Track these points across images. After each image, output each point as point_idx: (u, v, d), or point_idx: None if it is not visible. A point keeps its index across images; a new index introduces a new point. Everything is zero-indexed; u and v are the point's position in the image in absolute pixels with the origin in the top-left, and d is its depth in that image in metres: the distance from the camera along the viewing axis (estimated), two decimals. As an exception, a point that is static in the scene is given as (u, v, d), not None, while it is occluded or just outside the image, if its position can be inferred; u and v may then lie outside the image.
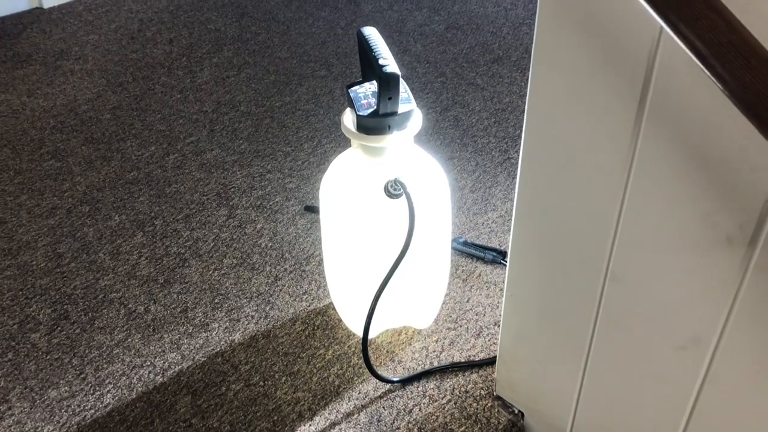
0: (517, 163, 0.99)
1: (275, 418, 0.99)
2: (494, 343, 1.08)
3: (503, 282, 1.18)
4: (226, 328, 1.12)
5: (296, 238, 1.29)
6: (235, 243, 1.28)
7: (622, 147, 0.66)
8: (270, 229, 1.31)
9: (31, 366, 1.07)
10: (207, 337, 1.11)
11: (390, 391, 1.02)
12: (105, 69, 1.85)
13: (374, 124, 0.88)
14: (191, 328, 1.12)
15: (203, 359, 1.07)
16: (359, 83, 0.93)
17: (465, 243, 1.25)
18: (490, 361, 1.05)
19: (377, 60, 0.85)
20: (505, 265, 1.20)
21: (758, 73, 0.44)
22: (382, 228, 0.95)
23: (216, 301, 1.17)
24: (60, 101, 1.71)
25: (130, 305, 1.16)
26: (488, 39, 1.96)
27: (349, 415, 0.99)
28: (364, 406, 1.00)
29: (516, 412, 0.99)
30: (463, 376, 1.04)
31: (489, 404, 1.00)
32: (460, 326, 1.11)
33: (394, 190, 0.91)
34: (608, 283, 0.75)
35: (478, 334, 1.10)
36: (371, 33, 0.91)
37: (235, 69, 1.84)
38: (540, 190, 0.77)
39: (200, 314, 1.14)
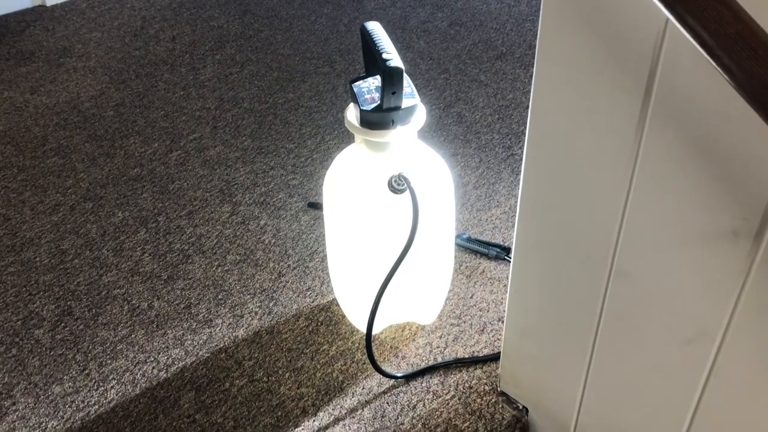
0: (521, 159, 0.99)
1: (279, 413, 0.99)
2: (498, 338, 1.08)
3: (507, 278, 1.18)
4: (229, 324, 1.12)
5: (299, 235, 1.29)
6: (239, 239, 1.28)
7: (627, 141, 0.66)
8: (273, 226, 1.31)
9: (35, 362, 1.07)
10: (210, 333, 1.11)
11: (394, 386, 1.02)
12: (108, 66, 1.85)
13: (378, 119, 0.88)
14: (195, 324, 1.12)
15: (207, 355, 1.07)
16: (363, 78, 0.93)
17: (469, 239, 1.25)
18: (494, 357, 1.05)
19: (381, 54, 0.85)
20: (509, 261, 1.19)
21: (765, 64, 0.44)
22: (386, 224, 0.95)
23: (219, 297, 1.17)
24: (63, 98, 1.71)
25: (133, 301, 1.16)
26: (491, 35, 1.96)
27: (352, 410, 0.99)
28: (367, 402, 1.00)
29: (520, 407, 0.99)
30: (467, 371, 1.04)
31: (493, 400, 1.00)
32: (464, 322, 1.11)
33: (398, 185, 0.90)
34: (613, 278, 0.75)
35: (482, 330, 1.10)
36: (375, 27, 0.91)
37: (237, 66, 1.84)
38: (544, 186, 0.77)
39: (204, 310, 1.14)
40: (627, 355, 0.79)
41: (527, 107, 1.57)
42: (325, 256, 1.24)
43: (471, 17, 2.06)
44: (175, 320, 1.13)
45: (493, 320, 1.11)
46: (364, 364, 1.05)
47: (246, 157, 1.50)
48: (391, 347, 1.08)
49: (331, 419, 0.98)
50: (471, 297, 1.16)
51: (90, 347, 1.09)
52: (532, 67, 0.71)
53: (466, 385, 1.02)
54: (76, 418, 0.99)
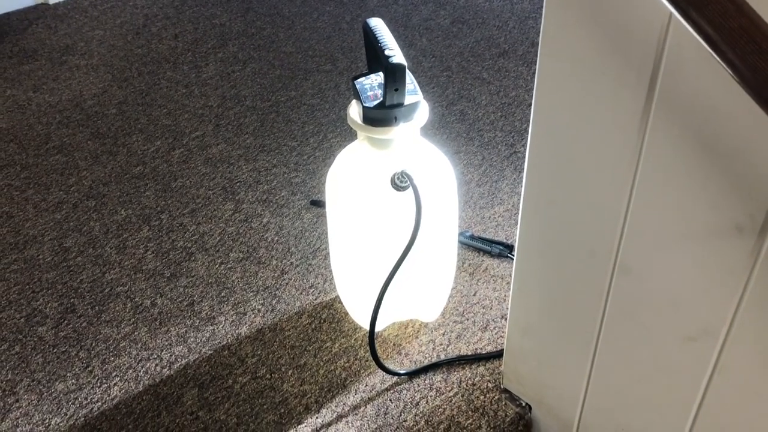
0: (524, 156, 0.98)
1: (282, 410, 0.99)
2: (501, 336, 1.08)
3: (510, 275, 1.18)
4: (232, 321, 1.12)
5: (302, 232, 1.29)
6: (242, 237, 1.28)
7: (631, 137, 0.66)
8: (276, 224, 1.31)
9: (38, 359, 1.07)
10: (213, 330, 1.11)
11: (397, 383, 1.02)
12: (110, 64, 1.85)
13: (381, 116, 0.88)
14: (198, 321, 1.12)
15: (210, 352, 1.07)
16: (365, 75, 0.93)
17: (472, 237, 1.25)
18: (497, 354, 1.05)
19: (383, 51, 0.85)
20: (512, 259, 1.19)
21: (770, 58, 0.43)
22: (389, 221, 0.95)
23: (222, 294, 1.17)
24: (66, 96, 1.72)
25: (136, 299, 1.16)
26: (494, 33, 1.95)
27: (355, 407, 0.99)
28: (370, 399, 1.00)
29: (523, 404, 0.99)
30: (470, 368, 1.04)
31: (496, 397, 1.00)
32: (467, 319, 1.11)
33: (400, 182, 0.90)
34: (616, 274, 0.75)
35: (485, 327, 1.10)
36: (377, 24, 0.90)
37: (240, 64, 1.84)
38: (547, 183, 0.77)
39: (207, 308, 1.14)
40: (630, 352, 0.78)
41: (530, 104, 1.57)
42: (328, 253, 1.24)
43: (473, 15, 2.06)
44: (178, 317, 1.13)
45: (496, 317, 1.11)
46: (367, 361, 1.05)
47: (248, 154, 1.50)
48: (394, 344, 1.08)
49: (334, 416, 0.98)
50: (474, 294, 1.16)
51: (93, 344, 1.09)
52: (535, 64, 0.71)
53: (469, 382, 1.02)
54: (80, 415, 0.99)
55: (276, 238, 1.28)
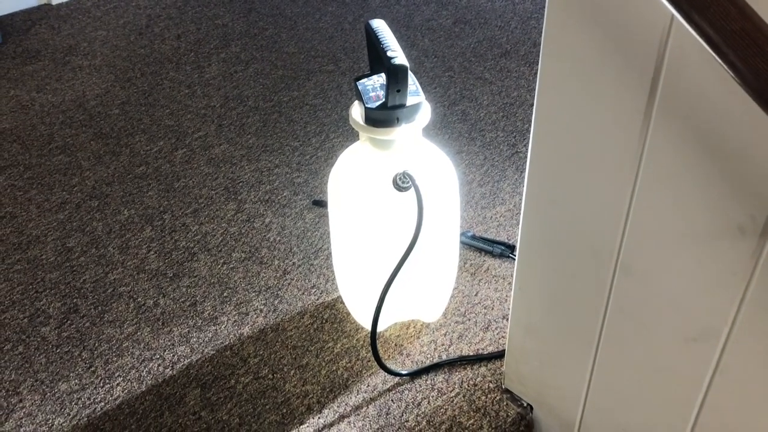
0: (526, 157, 0.99)
1: (284, 410, 0.99)
2: (503, 336, 1.08)
3: (512, 276, 1.18)
4: (235, 321, 1.12)
5: (304, 232, 1.29)
6: (244, 237, 1.28)
7: (632, 138, 0.66)
8: (278, 224, 1.31)
9: (41, 359, 1.07)
10: (216, 330, 1.11)
11: (399, 384, 1.02)
12: (113, 64, 1.85)
13: (383, 117, 0.88)
14: (200, 321, 1.13)
15: (212, 352, 1.07)
16: (367, 76, 0.93)
17: (473, 237, 1.25)
18: (499, 355, 1.05)
19: (385, 52, 0.85)
20: (514, 259, 1.19)
21: (771, 61, 0.44)
22: (391, 221, 0.95)
23: (225, 294, 1.17)
24: (69, 97, 1.72)
25: (139, 299, 1.17)
26: (496, 33, 1.95)
27: (357, 408, 0.99)
28: (372, 399, 1.00)
29: (525, 405, 0.99)
30: (472, 369, 1.04)
31: (498, 397, 1.00)
32: (469, 320, 1.11)
33: (402, 183, 0.90)
34: (618, 275, 0.75)
35: (487, 328, 1.10)
36: (379, 25, 0.91)
37: (242, 64, 1.84)
38: (549, 183, 0.77)
39: (209, 308, 1.15)
40: (632, 352, 0.78)
41: (532, 105, 1.57)
42: (330, 253, 1.24)
43: (476, 15, 2.06)
44: (181, 318, 1.13)
45: (497, 318, 1.11)
46: (368, 361, 1.05)
47: (251, 155, 1.50)
48: (395, 345, 1.08)
49: (336, 416, 0.98)
50: (475, 295, 1.16)
51: (96, 345, 1.09)
52: (537, 64, 0.71)
53: (471, 382, 1.02)
54: (83, 415, 0.99)
55: (278, 238, 1.28)
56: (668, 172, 0.65)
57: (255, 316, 1.13)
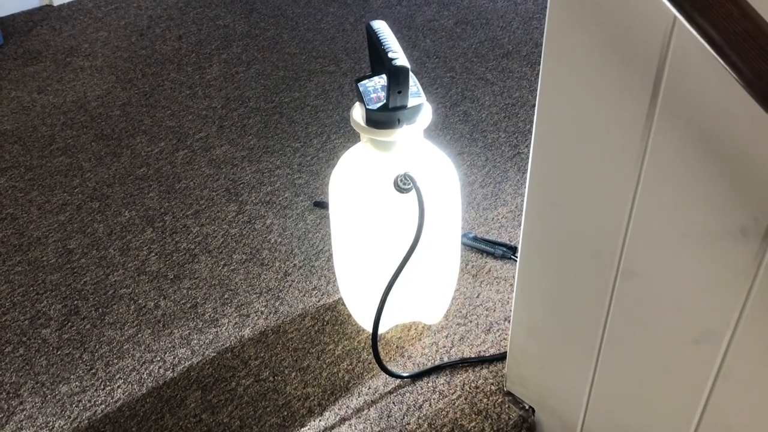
0: (528, 158, 0.98)
1: (285, 413, 0.99)
2: (504, 338, 1.08)
3: (513, 277, 1.18)
4: (235, 323, 1.12)
5: (305, 234, 1.29)
6: (245, 239, 1.28)
7: (635, 140, 0.66)
8: (279, 225, 1.31)
9: (42, 361, 1.07)
10: (217, 332, 1.11)
11: (400, 386, 1.02)
12: (114, 65, 1.85)
13: (384, 118, 0.88)
14: (201, 323, 1.12)
15: (213, 354, 1.07)
16: (368, 77, 0.92)
17: (475, 238, 1.25)
18: (501, 357, 1.04)
19: (386, 53, 0.85)
20: (516, 261, 1.19)
21: (774, 62, 0.43)
22: (392, 223, 0.95)
23: (226, 296, 1.17)
24: (70, 98, 1.72)
25: (140, 301, 1.16)
26: (498, 34, 1.95)
27: (358, 410, 0.99)
28: (373, 402, 1.00)
29: (527, 407, 0.98)
30: (474, 371, 1.04)
31: (499, 400, 1.00)
32: (470, 321, 1.11)
33: (403, 184, 0.90)
34: (620, 277, 0.75)
35: (489, 330, 1.09)
36: (380, 26, 0.90)
37: (244, 65, 1.84)
38: (551, 185, 0.77)
39: (210, 310, 1.14)
40: (634, 354, 0.78)
41: (534, 105, 1.56)
42: (331, 255, 1.24)
43: (477, 15, 2.05)
44: (182, 320, 1.13)
45: (499, 320, 1.11)
46: (370, 363, 1.05)
47: (252, 156, 1.50)
48: (397, 347, 1.08)
49: (337, 419, 0.98)
50: (477, 296, 1.15)
51: (97, 347, 1.09)
52: (539, 65, 0.70)
53: (473, 384, 1.02)
54: (83, 417, 0.99)
55: (279, 239, 1.28)
56: (670, 173, 0.64)
57: (256, 318, 1.13)
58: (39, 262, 1.25)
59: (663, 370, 0.76)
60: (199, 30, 2.02)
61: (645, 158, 0.66)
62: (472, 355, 1.06)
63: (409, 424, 0.97)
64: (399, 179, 0.90)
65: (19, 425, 0.98)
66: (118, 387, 1.03)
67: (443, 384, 1.02)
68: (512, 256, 1.21)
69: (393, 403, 1.00)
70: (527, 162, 1.43)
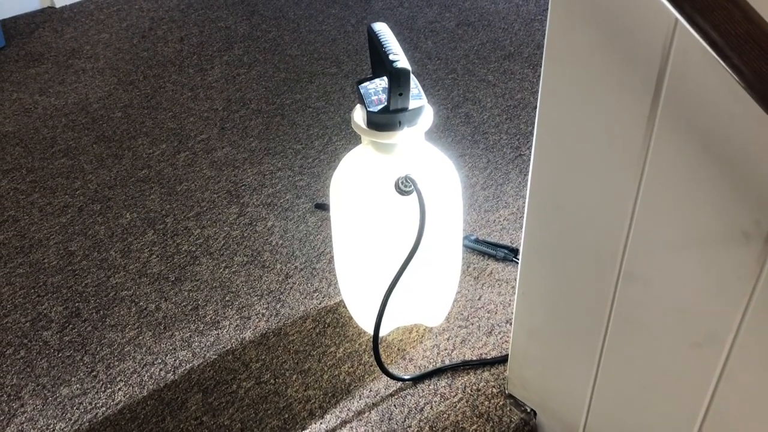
0: (529, 159, 0.98)
1: (286, 416, 0.99)
2: (506, 341, 1.08)
3: (515, 280, 1.17)
4: (236, 325, 1.12)
5: (307, 236, 1.29)
6: (246, 241, 1.28)
7: (636, 142, 0.65)
8: (281, 227, 1.31)
9: (43, 363, 1.07)
10: (218, 334, 1.11)
11: (401, 389, 1.02)
12: (116, 67, 1.85)
13: (385, 120, 0.88)
14: (202, 325, 1.12)
15: (214, 357, 1.07)
16: (369, 79, 0.92)
17: (476, 240, 1.25)
18: (502, 359, 1.04)
19: (388, 55, 0.85)
20: (517, 263, 1.19)
21: (776, 65, 0.43)
22: (393, 225, 0.94)
23: (227, 298, 1.17)
24: (72, 100, 1.72)
25: (141, 303, 1.16)
26: (499, 35, 1.95)
27: (360, 413, 0.99)
28: (375, 404, 1.00)
29: (528, 410, 0.98)
30: (475, 374, 1.03)
31: (501, 402, 0.99)
32: (472, 324, 1.11)
33: (404, 186, 0.90)
34: (622, 280, 0.74)
35: (490, 332, 1.09)
36: (381, 28, 0.90)
37: (245, 67, 1.84)
38: (552, 187, 0.76)
39: (211, 312, 1.14)
40: (636, 357, 0.78)
41: (535, 107, 1.56)
42: (333, 257, 1.23)
43: (479, 17, 2.05)
44: (183, 322, 1.13)
45: (500, 322, 1.11)
46: (371, 366, 1.05)
47: (253, 158, 1.49)
48: (398, 349, 1.07)
49: (338, 422, 0.98)
50: (479, 299, 1.15)
51: (98, 349, 1.09)
52: (541, 66, 0.70)
53: (474, 387, 1.01)
54: (84, 420, 0.99)
55: (280, 241, 1.28)
56: (672, 176, 0.64)
57: (257, 320, 1.13)
58: (40, 264, 1.25)
59: (665, 373, 0.76)
60: (200, 32, 2.02)
61: (646, 160, 0.66)
62: (474, 358, 1.05)
63: (410, 426, 0.97)
64: (400, 181, 0.90)
65: (20, 427, 0.98)
66: (119, 389, 1.03)
67: (444, 387, 1.02)
68: (514, 259, 1.21)
69: (394, 405, 0.99)
70: (529, 164, 1.43)
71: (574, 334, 0.84)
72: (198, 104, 1.69)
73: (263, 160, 1.49)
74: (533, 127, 1.05)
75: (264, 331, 1.11)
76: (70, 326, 1.13)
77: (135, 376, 1.05)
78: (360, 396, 1.01)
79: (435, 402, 1.00)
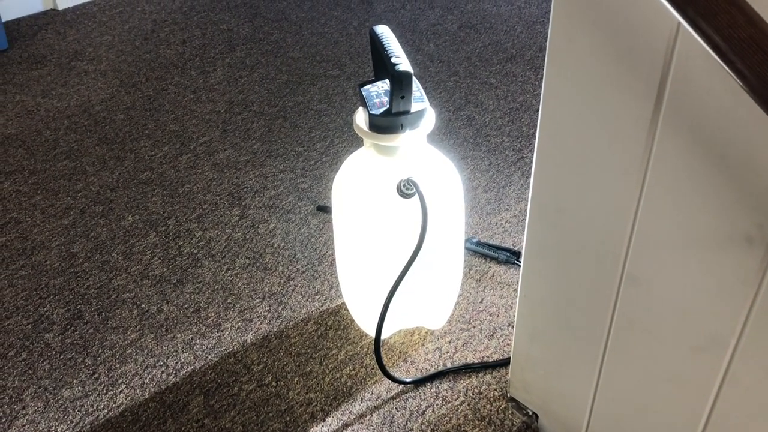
0: (531, 162, 0.98)
1: (287, 418, 0.99)
2: (508, 344, 1.08)
3: (517, 282, 1.17)
4: (238, 328, 1.12)
5: (309, 238, 1.29)
6: (248, 243, 1.28)
7: (639, 145, 0.65)
8: (282, 229, 1.31)
9: (44, 366, 1.07)
10: (219, 337, 1.11)
11: (403, 392, 1.02)
12: (118, 69, 1.85)
13: (387, 123, 0.88)
14: (204, 328, 1.12)
15: (216, 359, 1.07)
16: (372, 82, 0.92)
17: (478, 243, 1.25)
18: (504, 362, 1.04)
19: (390, 58, 0.85)
20: (519, 266, 1.19)
21: (779, 69, 0.43)
22: (395, 228, 0.94)
23: (228, 301, 1.17)
24: (74, 102, 1.72)
25: (143, 305, 1.16)
26: (502, 38, 1.95)
27: (361, 416, 0.98)
28: (376, 407, 0.99)
29: (530, 413, 0.98)
30: (477, 377, 1.03)
31: (503, 406, 0.99)
32: (474, 327, 1.11)
33: (406, 189, 0.90)
34: (624, 283, 0.74)
35: (492, 335, 1.09)
36: (384, 31, 0.90)
37: (247, 69, 1.84)
38: (554, 190, 0.76)
39: (213, 314, 1.14)
40: (638, 361, 0.78)
41: (538, 110, 1.56)
42: (334, 259, 1.23)
43: (481, 20, 2.05)
44: (185, 324, 1.13)
45: (502, 325, 1.11)
46: (373, 369, 1.05)
47: (255, 160, 1.50)
48: (400, 352, 1.07)
49: (340, 425, 0.97)
50: (480, 302, 1.15)
51: (99, 351, 1.09)
52: (543, 69, 0.70)
53: (476, 390, 1.01)
54: (86, 422, 0.99)
55: (282, 244, 1.28)
56: (675, 180, 0.64)
57: (259, 322, 1.13)
58: (42, 266, 1.25)
59: (668, 377, 0.76)
60: (203, 34, 2.02)
61: (649, 164, 0.65)
62: (476, 361, 1.05)
63: (412, 430, 0.96)
64: (402, 184, 0.90)
65: (21, 430, 0.98)
66: (121, 392, 1.03)
67: (446, 390, 1.01)
68: (516, 261, 1.21)
69: (396, 408, 0.99)
70: (531, 166, 1.42)
71: (576, 337, 0.84)
72: (200, 106, 1.69)
73: (265, 162, 1.49)
74: (535, 130, 1.05)
75: (266, 334, 1.11)
76: (72, 328, 1.13)
77: (136, 378, 1.05)
78: (362, 399, 1.01)
79: (437, 405, 0.99)
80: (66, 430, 0.98)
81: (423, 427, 0.97)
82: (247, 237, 1.30)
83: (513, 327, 1.08)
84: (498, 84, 1.73)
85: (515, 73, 1.78)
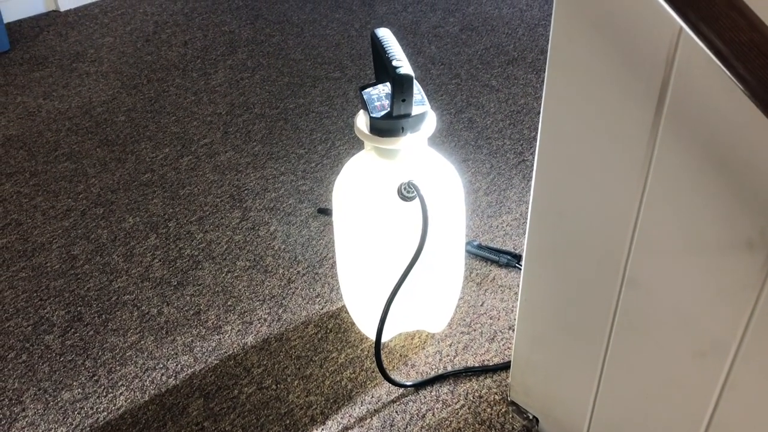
0: (533, 165, 0.98)
1: (287, 421, 0.98)
2: (509, 347, 1.07)
3: (518, 286, 1.17)
4: (238, 330, 1.12)
5: (309, 241, 1.29)
6: (248, 245, 1.28)
7: (640, 149, 0.65)
8: (283, 232, 1.31)
9: (44, 368, 1.07)
10: (219, 339, 1.10)
11: (403, 395, 1.01)
12: (120, 71, 1.86)
13: (388, 126, 0.88)
14: (204, 330, 1.12)
15: (216, 362, 1.07)
16: (373, 85, 0.92)
17: (479, 246, 1.24)
18: (505, 366, 1.04)
19: (391, 61, 0.85)
20: (520, 269, 1.18)
21: (781, 73, 0.43)
22: (396, 231, 0.94)
23: (229, 303, 1.16)
24: (75, 103, 1.72)
25: (143, 307, 1.16)
26: (503, 40, 1.95)
27: (361, 419, 0.98)
28: (376, 411, 0.99)
29: (530, 417, 0.98)
30: (477, 380, 1.03)
31: (503, 409, 0.99)
32: (474, 330, 1.10)
33: (407, 192, 0.90)
34: (625, 287, 0.74)
35: (493, 339, 1.09)
36: (385, 34, 0.90)
37: (249, 71, 1.84)
38: (556, 193, 0.76)
39: (213, 317, 1.14)
40: (639, 365, 0.77)
41: (539, 113, 1.56)
42: (335, 262, 1.23)
43: (483, 22, 2.05)
44: (185, 327, 1.13)
45: (503, 328, 1.10)
46: (373, 372, 1.04)
47: (256, 162, 1.49)
48: (400, 355, 1.07)
49: (340, 428, 0.97)
50: (481, 305, 1.15)
51: (99, 353, 1.09)
52: (544, 72, 0.70)
53: (476, 394, 1.01)
54: (85, 424, 0.99)
55: (283, 246, 1.28)
56: (676, 184, 0.64)
57: (259, 325, 1.13)
58: (43, 267, 1.25)
59: (668, 382, 0.75)
60: (204, 36, 2.02)
61: (650, 168, 0.65)
62: (476, 365, 1.05)
63: (412, 433, 0.96)
64: (403, 187, 0.90)
65: (21, 432, 0.98)
66: (121, 394, 1.03)
67: (447, 393, 1.01)
68: (517, 265, 1.21)
69: (396, 412, 0.99)
70: (532, 169, 1.42)
71: (577, 341, 0.84)
72: (201, 108, 1.69)
73: (266, 164, 1.49)
74: (536, 133, 1.05)
75: (266, 337, 1.11)
76: (72, 330, 1.13)
77: (136, 380, 1.05)
78: (362, 402, 1.00)
79: (437, 409, 0.99)
80: (65, 432, 0.98)
81: (423, 430, 0.96)
82: (248, 239, 1.29)
83: (514, 330, 1.08)
84: (499, 87, 1.73)
85: (517, 76, 1.78)
